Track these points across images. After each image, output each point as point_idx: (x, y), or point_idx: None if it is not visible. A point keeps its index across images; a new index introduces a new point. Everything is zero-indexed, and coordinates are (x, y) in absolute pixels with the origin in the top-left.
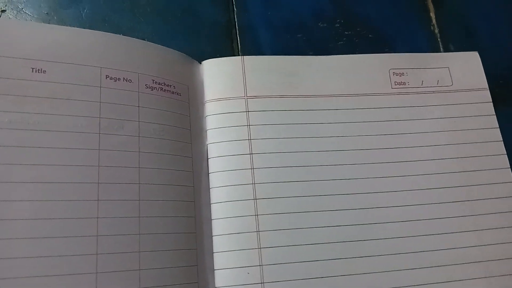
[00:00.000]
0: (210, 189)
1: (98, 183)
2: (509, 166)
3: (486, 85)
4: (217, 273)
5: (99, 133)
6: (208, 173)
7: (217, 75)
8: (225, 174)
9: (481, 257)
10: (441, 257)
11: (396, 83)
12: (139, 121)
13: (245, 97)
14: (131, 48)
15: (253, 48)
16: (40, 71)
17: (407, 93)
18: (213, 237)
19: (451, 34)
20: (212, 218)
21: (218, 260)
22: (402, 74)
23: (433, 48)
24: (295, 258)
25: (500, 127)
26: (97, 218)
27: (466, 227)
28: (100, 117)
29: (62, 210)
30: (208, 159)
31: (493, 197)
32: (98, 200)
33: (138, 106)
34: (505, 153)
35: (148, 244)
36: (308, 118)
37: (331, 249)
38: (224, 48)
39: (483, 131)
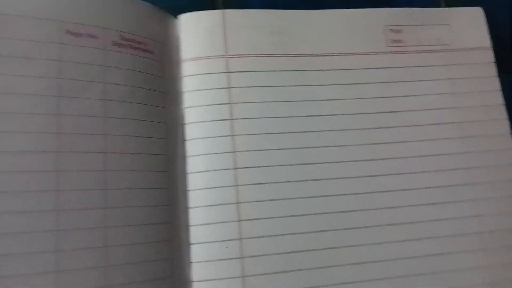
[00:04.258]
0: (187, 158)
1: (58, 152)
2: (509, 132)
3: (489, 44)
4: (193, 248)
5: (59, 96)
6: (184, 140)
7: (195, 31)
8: (203, 141)
9: (478, 228)
10: (437, 228)
11: (392, 41)
12: (104, 83)
13: (226, 56)
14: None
15: (237, 1)
16: None
17: (404, 52)
18: (189, 209)
19: None
20: (188, 189)
21: (195, 234)
22: (399, 31)
23: (434, 2)
24: (278, 230)
25: (503, 92)
26: (57, 191)
27: (463, 197)
28: (60, 78)
29: (17, 182)
30: (184, 124)
31: (492, 164)
32: (58, 171)
33: (104, 66)
34: (507, 117)
35: (115, 218)
36: (296, 80)
37: (317, 221)
38: (203, 0)
39: (484, 93)
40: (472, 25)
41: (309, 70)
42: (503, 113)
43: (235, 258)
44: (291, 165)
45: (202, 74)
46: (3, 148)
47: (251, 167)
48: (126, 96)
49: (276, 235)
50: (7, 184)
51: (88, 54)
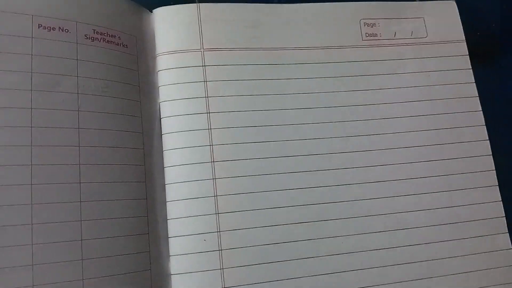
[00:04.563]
0: (164, 152)
1: (31, 145)
2: (484, 123)
3: (463, 37)
4: (171, 241)
5: (31, 90)
6: (161, 134)
7: (170, 25)
8: (180, 135)
9: (452, 218)
10: (412, 219)
11: (367, 35)
12: (77, 77)
13: (202, 50)
14: None
15: None
16: None
17: (378, 45)
18: (167, 203)
19: None
20: (166, 183)
21: (173, 227)
22: (374, 24)
23: None
24: (256, 223)
25: (476, 82)
26: (31, 184)
27: (438, 188)
28: (32, 72)
29: None
30: (160, 118)
31: (467, 155)
32: (31, 164)
33: (77, 59)
34: (481, 109)
35: (91, 212)
36: (272, 74)
37: (294, 213)
38: None
39: (458, 86)
40: (446, 18)
41: (284, 64)
42: (477, 104)
43: (213, 251)
44: (268, 158)
45: (177, 68)
46: None
47: (228, 160)
48: (100, 90)
49: (254, 228)
50: None
51: (61, 47)
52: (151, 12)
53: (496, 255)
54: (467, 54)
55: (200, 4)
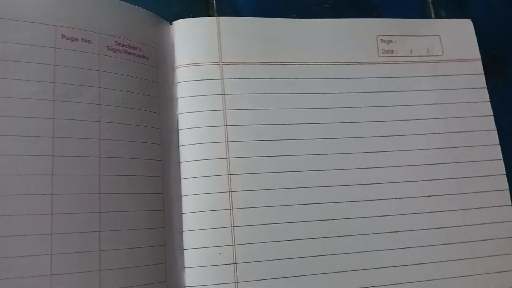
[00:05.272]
0: (181, 163)
1: (53, 156)
2: (498, 143)
3: (479, 56)
4: (186, 253)
5: (54, 100)
6: (179, 146)
7: (190, 38)
8: (197, 147)
9: (465, 237)
10: (427, 237)
11: (383, 51)
12: (99, 87)
13: (220, 63)
14: (92, 4)
15: (231, 8)
16: None
17: (395, 62)
18: (183, 214)
19: (443, 0)
20: (182, 195)
21: (188, 239)
22: (390, 41)
23: (424, 14)
24: (271, 237)
25: (490, 100)
26: (52, 194)
27: (452, 206)
28: (55, 82)
29: (11, 185)
30: (178, 130)
31: (480, 175)
32: (52, 175)
33: (99, 71)
34: (495, 128)
35: (110, 223)
36: (288, 88)
37: (309, 228)
38: (198, 7)
39: (473, 104)
40: (462, 37)
41: (301, 78)
42: (491, 124)
43: (228, 264)
44: (284, 172)
45: (196, 80)
46: None
47: (244, 174)
48: (121, 101)
49: (269, 242)
50: (2, 187)
51: (83, 58)
52: (171, 24)
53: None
54: (483, 73)
55: (219, 17)
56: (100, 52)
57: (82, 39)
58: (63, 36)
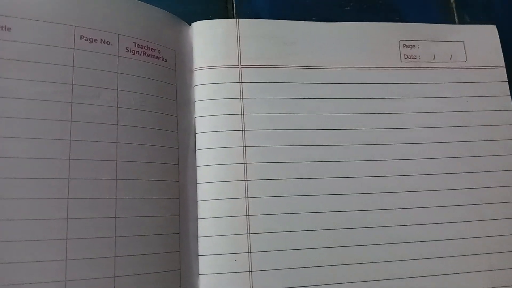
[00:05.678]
0: (197, 168)
1: (69, 159)
2: None
3: (503, 63)
4: (201, 259)
5: (72, 102)
6: (195, 150)
7: (209, 40)
8: (214, 152)
9: (484, 249)
10: (444, 248)
11: (406, 56)
12: (117, 90)
13: (239, 66)
14: (111, 5)
15: (250, 10)
16: (4, 29)
17: (417, 68)
18: (199, 220)
19: (467, 5)
20: (198, 200)
21: (203, 245)
22: (413, 46)
23: (447, 19)
24: (287, 245)
25: None
26: (67, 198)
27: (471, 217)
28: (73, 84)
29: (27, 189)
30: (195, 134)
31: (502, 185)
32: (68, 178)
33: (117, 72)
34: None
35: (125, 228)
36: (308, 92)
37: (326, 237)
38: (217, 9)
39: (496, 113)
40: (486, 43)
41: (321, 83)
42: None
43: (244, 272)
44: (302, 178)
45: (214, 83)
46: (14, 153)
47: (261, 179)
48: (139, 103)
49: (285, 250)
50: (17, 190)
51: (101, 60)
52: (190, 25)
53: None
54: (507, 80)
55: (239, 19)
56: (119, 54)
57: (101, 40)
58: (82, 37)
